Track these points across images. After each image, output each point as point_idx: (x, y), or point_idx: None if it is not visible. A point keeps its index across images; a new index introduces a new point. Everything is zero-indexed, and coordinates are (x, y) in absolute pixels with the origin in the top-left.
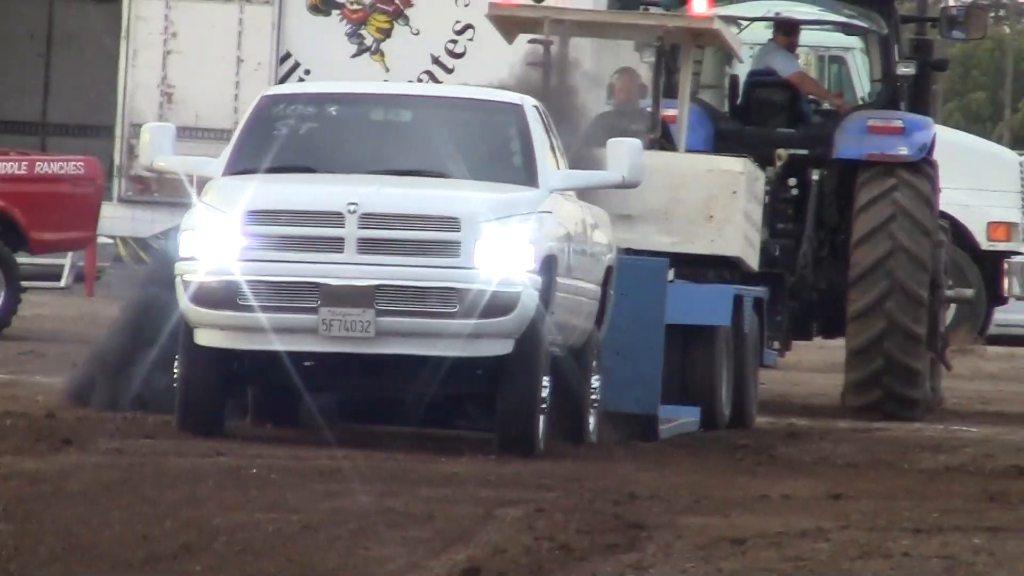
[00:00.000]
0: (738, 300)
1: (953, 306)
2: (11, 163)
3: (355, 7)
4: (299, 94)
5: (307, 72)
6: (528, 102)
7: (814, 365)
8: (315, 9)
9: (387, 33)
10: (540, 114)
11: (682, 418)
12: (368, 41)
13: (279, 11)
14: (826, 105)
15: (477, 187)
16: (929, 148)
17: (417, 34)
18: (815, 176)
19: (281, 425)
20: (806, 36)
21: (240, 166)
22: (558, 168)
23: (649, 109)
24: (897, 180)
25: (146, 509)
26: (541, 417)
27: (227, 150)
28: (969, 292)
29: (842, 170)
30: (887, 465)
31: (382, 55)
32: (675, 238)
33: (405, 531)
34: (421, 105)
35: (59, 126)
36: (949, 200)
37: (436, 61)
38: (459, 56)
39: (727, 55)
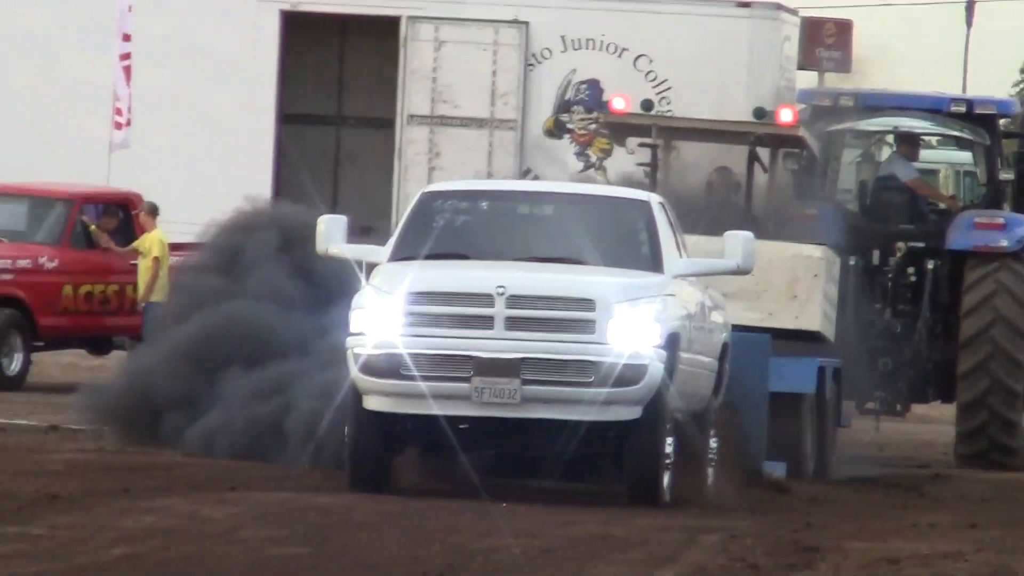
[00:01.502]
0: (821, 370)
1: None
2: None
3: (582, 132)
4: (454, 191)
5: None
6: (654, 199)
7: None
8: (550, 133)
9: (608, 152)
10: (664, 209)
11: (773, 472)
12: (593, 159)
13: (521, 135)
14: (941, 205)
15: (609, 272)
16: None
17: (632, 153)
18: (930, 265)
19: (440, 481)
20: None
21: (403, 253)
22: (680, 256)
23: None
24: (1000, 264)
25: (416, 536)
26: (666, 473)
27: (392, 239)
28: None
29: (953, 260)
30: (1013, 500)
31: (604, 170)
32: (763, 314)
33: (624, 553)
34: (561, 201)
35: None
36: None
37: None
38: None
39: (861, 165)
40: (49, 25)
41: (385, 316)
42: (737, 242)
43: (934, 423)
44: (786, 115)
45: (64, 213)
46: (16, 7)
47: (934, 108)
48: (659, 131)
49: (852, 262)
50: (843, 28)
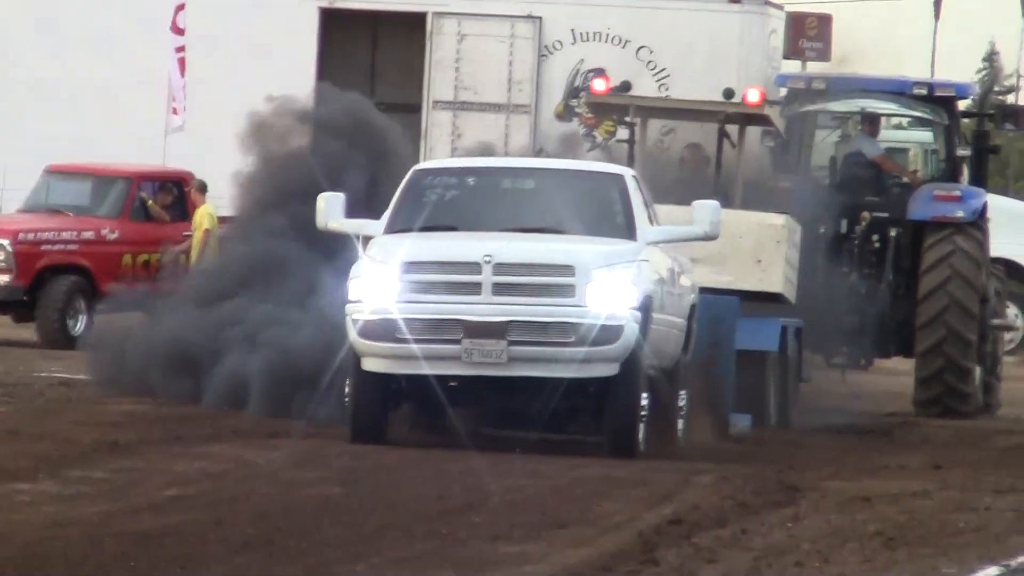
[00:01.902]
0: (784, 330)
1: (1021, 329)
2: None
3: (589, 115)
4: (443, 168)
5: None
6: (628, 172)
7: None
8: (560, 117)
9: (612, 134)
10: (637, 182)
11: (739, 423)
12: (599, 140)
13: (535, 118)
14: (904, 179)
15: (587, 241)
16: (981, 212)
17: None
18: (892, 233)
19: (432, 433)
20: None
21: (396, 226)
22: (652, 225)
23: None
24: (955, 229)
25: (439, 478)
26: (641, 426)
27: (386, 213)
28: (1007, 322)
29: (914, 228)
30: (974, 444)
31: (609, 150)
32: (730, 277)
33: (627, 492)
34: (541, 175)
35: None
36: (1016, 252)
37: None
38: (666, 150)
39: (832, 143)
40: (111, 21)
41: (381, 284)
42: (705, 211)
43: (901, 375)
44: (753, 95)
45: (124, 190)
46: (82, 5)
47: (898, 91)
48: (636, 110)
49: (822, 231)
50: (824, 21)
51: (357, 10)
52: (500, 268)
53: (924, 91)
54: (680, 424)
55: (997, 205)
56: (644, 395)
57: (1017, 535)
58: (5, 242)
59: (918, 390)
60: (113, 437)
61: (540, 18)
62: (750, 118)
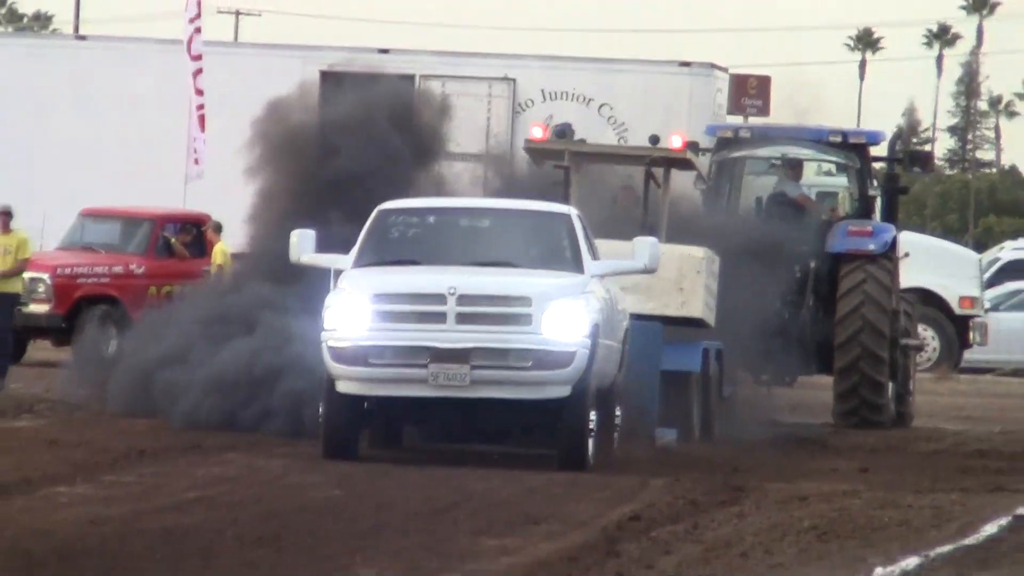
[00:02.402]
0: (706, 352)
1: (938, 350)
2: None
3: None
4: (405, 208)
5: None
6: (573, 212)
7: None
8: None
9: None
10: (581, 220)
11: (665, 436)
12: None
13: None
14: (824, 216)
15: (540, 274)
16: (891, 245)
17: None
18: (812, 264)
19: (390, 448)
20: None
21: (364, 261)
22: (594, 259)
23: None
24: (867, 260)
25: (427, 481)
26: (590, 441)
27: (354, 249)
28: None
29: (832, 260)
30: (897, 449)
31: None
32: (655, 304)
33: (592, 494)
34: (496, 215)
35: None
36: (935, 283)
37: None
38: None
39: (757, 185)
40: (137, 87)
41: (353, 314)
42: (644, 246)
43: (826, 390)
44: (676, 141)
45: (149, 230)
46: (112, 73)
47: (816, 138)
48: (570, 155)
49: (749, 264)
50: (763, 82)
51: (354, 72)
52: (463, 299)
53: (839, 139)
54: (616, 437)
55: (915, 241)
56: (593, 413)
57: (935, 530)
58: (45, 276)
59: (837, 403)
60: (141, 446)
61: (514, 80)
62: (673, 161)
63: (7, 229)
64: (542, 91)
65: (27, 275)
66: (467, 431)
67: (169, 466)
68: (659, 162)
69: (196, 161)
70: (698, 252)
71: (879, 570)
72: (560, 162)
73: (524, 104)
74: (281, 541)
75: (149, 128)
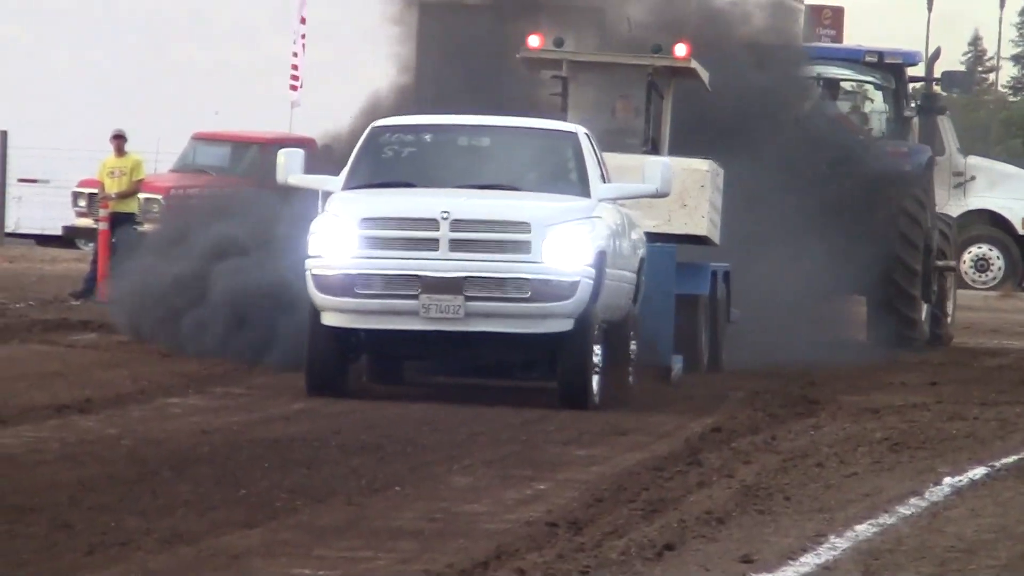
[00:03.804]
0: (714, 274)
1: (1002, 269)
2: None
3: None
4: (400, 125)
5: None
6: (581, 130)
7: None
8: None
9: None
10: (590, 140)
11: (675, 365)
12: None
13: None
14: (860, 136)
15: (542, 198)
16: (926, 165)
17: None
18: (848, 183)
19: (389, 384)
20: None
21: (354, 182)
22: (604, 182)
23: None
24: (901, 194)
25: (516, 395)
26: (595, 377)
27: (345, 170)
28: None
29: (868, 179)
30: (963, 364)
31: None
32: (658, 221)
33: (675, 405)
34: (497, 133)
35: None
36: (999, 205)
37: None
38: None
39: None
40: (248, 13)
41: (340, 240)
42: (656, 168)
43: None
44: (680, 50)
45: (258, 152)
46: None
47: (852, 58)
48: (568, 64)
49: (788, 180)
50: (837, 13)
51: (447, 3)
52: (457, 224)
53: (875, 59)
54: (630, 371)
55: (980, 165)
56: (597, 348)
57: (1000, 440)
58: (159, 197)
59: (871, 318)
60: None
61: None
62: (677, 71)
63: (122, 152)
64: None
65: (142, 196)
66: (465, 365)
67: (276, 379)
68: (662, 72)
69: (294, 88)
70: (702, 165)
71: (948, 480)
72: (558, 72)
73: None
74: (382, 450)
75: (257, 55)
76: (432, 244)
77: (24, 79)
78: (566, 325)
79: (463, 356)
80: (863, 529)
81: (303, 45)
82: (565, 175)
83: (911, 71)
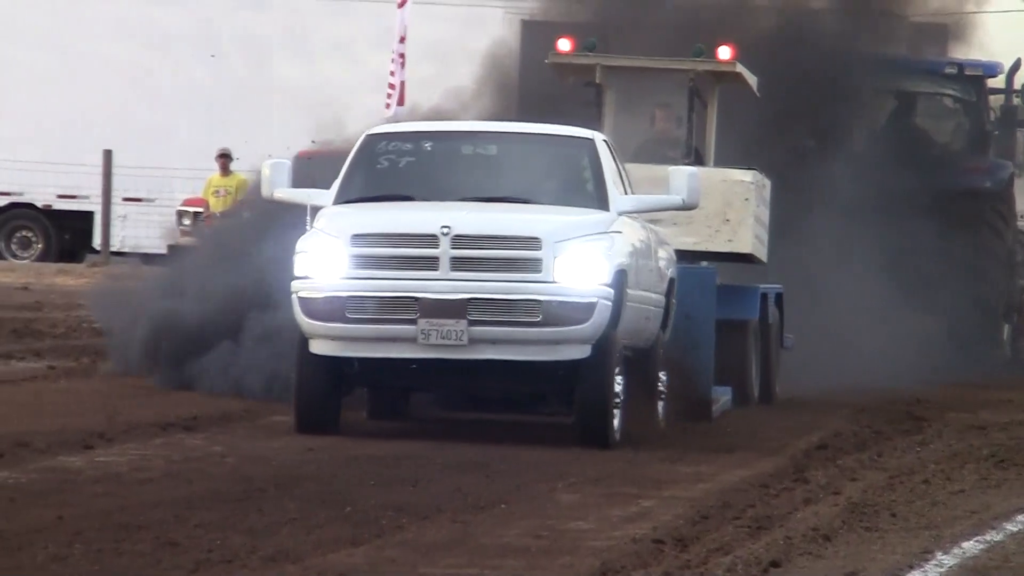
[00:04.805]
0: (764, 297)
1: None
2: None
3: None
4: (398, 132)
5: None
6: (599, 137)
7: None
8: None
9: None
10: (609, 147)
11: (721, 398)
12: None
13: None
14: (937, 151)
15: (556, 211)
16: (1007, 182)
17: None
18: (925, 200)
19: (392, 420)
20: None
21: (347, 196)
22: (625, 193)
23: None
24: (980, 213)
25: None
26: (617, 412)
27: (336, 182)
28: None
29: (946, 197)
30: None
31: None
32: (697, 238)
33: (780, 423)
34: (505, 140)
35: None
36: None
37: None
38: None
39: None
40: (348, 32)
41: (329, 259)
42: (682, 178)
43: None
44: (724, 52)
45: None
46: (323, 19)
47: (930, 70)
48: (602, 70)
49: (860, 197)
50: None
51: (548, 22)
52: (459, 240)
53: (954, 70)
54: (660, 407)
55: None
56: (618, 378)
57: None
58: None
59: (949, 340)
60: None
61: None
62: (721, 76)
63: (227, 171)
64: None
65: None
66: (470, 398)
67: (379, 400)
68: (705, 77)
69: (387, 106)
70: (746, 175)
71: None
72: (590, 79)
73: None
74: (488, 468)
75: (359, 72)
76: (432, 263)
77: (128, 99)
78: (582, 352)
79: (467, 387)
80: (970, 546)
81: (402, 64)
82: (581, 186)
83: (991, 83)
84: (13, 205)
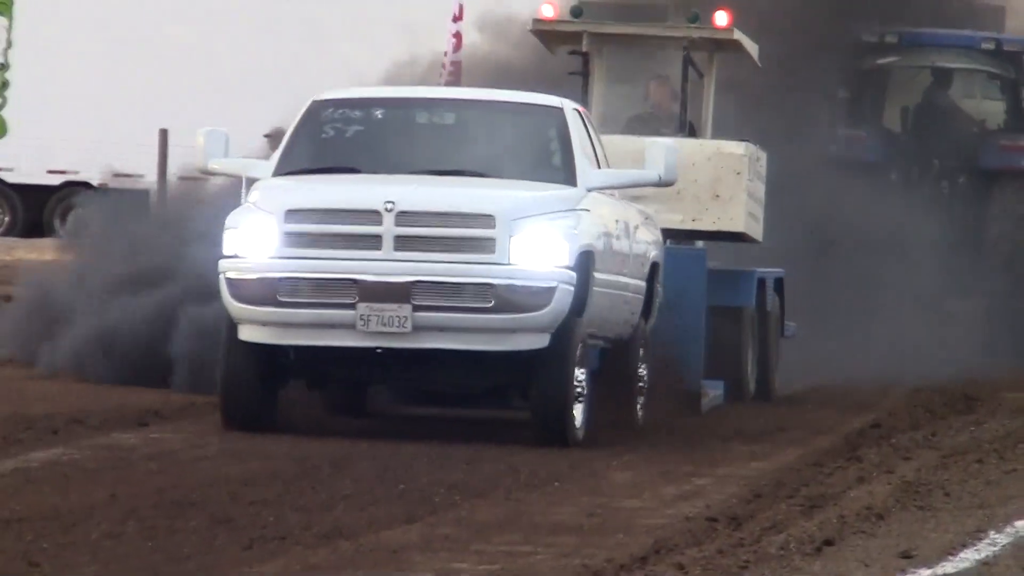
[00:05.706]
0: (761, 282)
1: None
2: None
3: None
4: (347, 99)
5: None
6: (568, 105)
7: None
8: None
9: None
10: (581, 117)
11: (711, 392)
12: None
13: None
14: (974, 129)
15: (515, 186)
16: None
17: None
18: (960, 180)
19: (349, 416)
20: None
21: (288, 167)
22: (598, 167)
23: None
24: (1018, 195)
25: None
26: (578, 407)
27: (275, 153)
28: None
29: (982, 176)
30: None
31: None
32: (684, 216)
33: (834, 401)
34: (464, 108)
35: None
36: None
37: None
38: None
39: (904, 94)
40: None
41: (261, 236)
42: (659, 152)
43: None
44: (721, 18)
45: None
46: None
47: (967, 45)
48: (589, 38)
49: (893, 177)
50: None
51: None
52: (404, 217)
53: (992, 46)
54: (640, 402)
55: None
56: (580, 371)
57: None
58: None
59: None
60: None
61: None
62: (719, 44)
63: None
64: None
65: None
66: (418, 392)
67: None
68: (701, 45)
69: (445, 83)
70: (738, 148)
71: None
72: (577, 47)
73: None
74: (539, 447)
75: (416, 48)
76: (374, 242)
77: (184, 77)
78: (540, 342)
79: (413, 379)
80: (1023, 525)
81: (458, 40)
82: (546, 159)
83: None
84: (69, 183)
